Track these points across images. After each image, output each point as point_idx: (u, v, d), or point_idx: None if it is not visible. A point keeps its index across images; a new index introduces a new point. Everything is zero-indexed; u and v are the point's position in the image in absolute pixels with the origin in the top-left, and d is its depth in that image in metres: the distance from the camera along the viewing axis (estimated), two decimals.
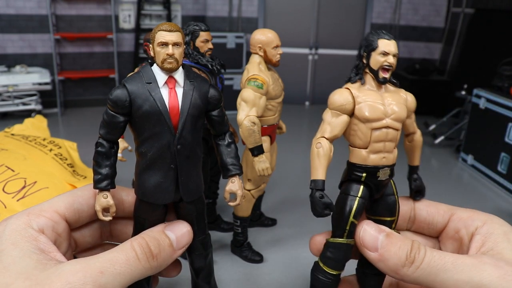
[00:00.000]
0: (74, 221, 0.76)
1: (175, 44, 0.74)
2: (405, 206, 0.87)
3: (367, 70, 0.83)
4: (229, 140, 0.87)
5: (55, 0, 4.20)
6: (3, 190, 1.67)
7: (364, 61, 0.83)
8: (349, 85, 0.84)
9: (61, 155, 2.10)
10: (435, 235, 0.86)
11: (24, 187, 1.71)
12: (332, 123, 0.83)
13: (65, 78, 4.36)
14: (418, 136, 0.91)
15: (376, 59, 0.82)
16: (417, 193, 0.88)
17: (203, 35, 1.55)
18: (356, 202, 0.81)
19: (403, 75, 4.78)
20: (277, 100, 1.60)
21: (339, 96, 0.82)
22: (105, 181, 0.75)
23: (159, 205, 0.77)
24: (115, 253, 0.66)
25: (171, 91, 0.76)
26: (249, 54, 1.59)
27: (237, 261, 1.76)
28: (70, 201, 0.75)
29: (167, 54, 0.74)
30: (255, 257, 1.76)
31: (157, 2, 4.50)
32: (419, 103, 3.88)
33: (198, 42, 1.55)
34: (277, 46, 1.56)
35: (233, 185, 0.86)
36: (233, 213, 1.75)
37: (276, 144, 1.76)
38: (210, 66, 1.55)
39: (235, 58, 4.31)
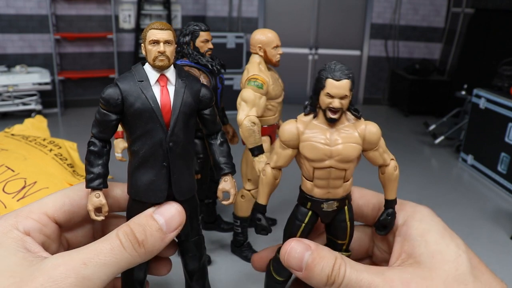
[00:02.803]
0: (65, 223, 0.75)
1: (166, 42, 0.75)
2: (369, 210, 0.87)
3: (318, 106, 0.79)
4: (222, 140, 0.87)
5: (55, 0, 4.20)
6: (3, 190, 1.67)
7: (315, 97, 0.79)
8: (301, 116, 0.81)
9: (61, 155, 2.10)
10: (371, 225, 0.87)
11: (24, 187, 1.71)
12: (278, 153, 0.83)
13: (65, 78, 4.37)
14: (391, 169, 0.82)
15: (323, 99, 0.76)
16: (382, 228, 0.82)
17: (203, 35, 1.55)
18: (301, 229, 0.83)
19: (403, 75, 4.78)
20: (277, 100, 1.60)
21: (287, 131, 0.80)
22: (97, 180, 0.75)
23: (152, 204, 0.77)
24: (99, 243, 0.65)
25: (163, 89, 0.76)
26: (249, 54, 1.59)
27: (237, 261, 1.76)
28: (60, 203, 0.74)
29: (159, 52, 0.74)
30: None
31: (157, 2, 4.50)
32: (419, 103, 3.87)
33: (198, 42, 1.55)
34: (277, 46, 1.56)
35: (226, 183, 0.86)
36: (233, 213, 1.75)
37: None
38: (210, 66, 1.55)
39: (235, 58, 4.31)
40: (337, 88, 0.75)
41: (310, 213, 0.83)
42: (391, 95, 5.17)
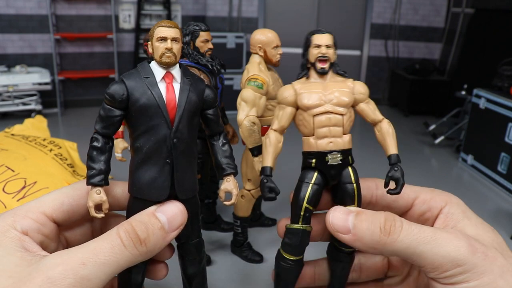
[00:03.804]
0: (64, 221, 0.74)
1: (173, 39, 0.75)
2: (365, 191, 0.88)
3: (309, 65, 0.90)
4: (224, 141, 0.87)
5: (55, 0, 4.20)
6: (3, 190, 1.67)
7: (305, 57, 0.91)
8: (295, 81, 0.91)
9: (61, 155, 2.10)
10: (399, 215, 0.87)
11: (24, 187, 1.71)
12: (278, 115, 0.91)
13: (65, 78, 4.36)
14: (385, 124, 0.89)
15: (312, 53, 0.88)
16: (393, 187, 0.82)
17: (203, 35, 1.55)
18: (309, 188, 0.85)
19: (403, 75, 4.78)
20: (277, 100, 1.60)
21: (283, 91, 0.90)
22: (98, 176, 0.74)
23: (154, 203, 0.76)
24: (99, 241, 0.64)
25: (169, 86, 0.76)
26: (249, 54, 1.59)
27: (237, 261, 1.76)
28: (59, 202, 0.73)
29: (166, 48, 0.75)
30: (255, 257, 1.76)
31: (157, 2, 4.50)
32: (419, 103, 3.88)
33: (198, 42, 1.55)
34: (277, 46, 1.56)
35: (228, 184, 0.86)
36: (233, 213, 1.75)
37: None
38: (210, 66, 1.55)
39: (235, 58, 4.31)
40: (322, 37, 0.88)
41: (316, 173, 0.86)
42: (391, 95, 5.17)
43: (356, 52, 5.16)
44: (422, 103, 4.64)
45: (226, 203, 0.85)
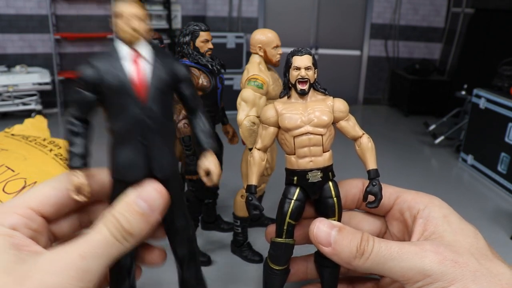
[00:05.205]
0: (51, 215, 0.74)
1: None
2: (354, 189, 0.93)
3: (290, 85, 0.93)
4: (201, 116, 0.87)
5: (55, 0, 4.20)
6: (3, 190, 1.67)
7: (286, 77, 0.95)
8: (277, 100, 0.95)
9: (61, 155, 2.10)
10: (383, 215, 0.91)
11: (24, 187, 1.71)
12: (262, 135, 0.95)
13: (65, 78, 4.36)
14: (364, 139, 0.92)
15: (292, 74, 0.91)
16: (372, 201, 0.86)
17: (203, 35, 1.55)
18: (291, 205, 0.90)
19: (403, 75, 4.78)
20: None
21: (267, 110, 0.93)
22: (75, 158, 0.75)
23: (132, 183, 0.76)
24: (92, 235, 0.65)
25: (134, 63, 0.75)
26: (249, 54, 1.59)
27: (237, 261, 1.76)
28: (46, 195, 0.73)
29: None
30: (255, 257, 1.76)
31: (157, 2, 4.50)
32: (419, 103, 3.88)
33: (198, 42, 1.55)
34: (277, 46, 1.56)
35: (206, 160, 0.85)
36: (233, 213, 1.75)
37: (276, 144, 1.76)
38: (210, 66, 1.55)
39: (235, 58, 4.31)
40: (301, 60, 0.91)
41: (298, 190, 0.90)
42: (391, 95, 5.17)
43: (356, 52, 5.16)
44: (422, 103, 4.64)
45: (205, 179, 0.84)
